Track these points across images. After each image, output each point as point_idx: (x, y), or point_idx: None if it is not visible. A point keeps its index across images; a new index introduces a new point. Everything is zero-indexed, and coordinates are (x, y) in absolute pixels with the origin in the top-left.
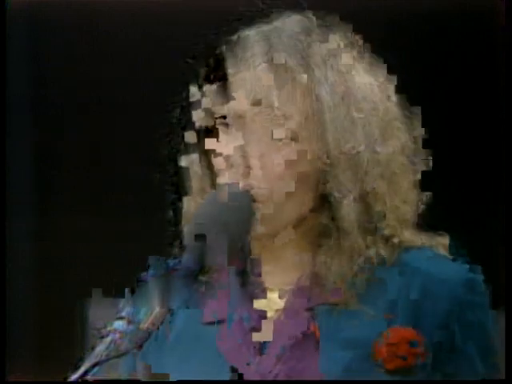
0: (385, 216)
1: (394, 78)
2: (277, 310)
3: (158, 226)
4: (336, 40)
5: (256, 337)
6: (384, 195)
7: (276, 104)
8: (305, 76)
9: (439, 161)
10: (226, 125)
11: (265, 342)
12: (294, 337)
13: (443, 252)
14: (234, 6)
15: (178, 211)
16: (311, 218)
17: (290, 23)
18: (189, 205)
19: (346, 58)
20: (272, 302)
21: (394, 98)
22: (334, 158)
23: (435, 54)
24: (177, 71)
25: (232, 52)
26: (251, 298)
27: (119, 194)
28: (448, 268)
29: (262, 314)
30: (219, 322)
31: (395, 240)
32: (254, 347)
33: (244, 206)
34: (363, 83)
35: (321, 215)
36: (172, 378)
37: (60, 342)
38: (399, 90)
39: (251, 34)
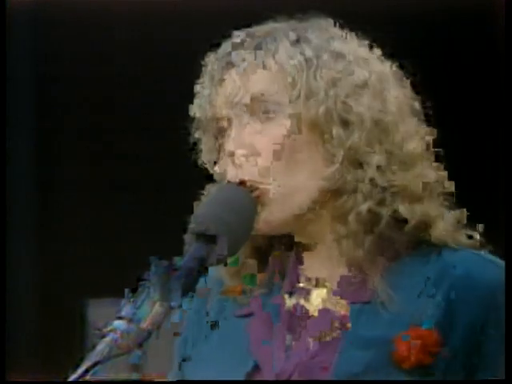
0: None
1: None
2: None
3: (159, 226)
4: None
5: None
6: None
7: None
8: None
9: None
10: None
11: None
12: (319, 337)
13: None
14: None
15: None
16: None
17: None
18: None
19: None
20: (317, 297)
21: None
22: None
23: (435, 54)
24: (176, 70)
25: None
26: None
27: (120, 194)
28: (486, 269)
29: (303, 311)
30: (250, 314)
31: (425, 234)
32: (281, 345)
33: (245, 205)
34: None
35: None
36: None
37: (60, 342)
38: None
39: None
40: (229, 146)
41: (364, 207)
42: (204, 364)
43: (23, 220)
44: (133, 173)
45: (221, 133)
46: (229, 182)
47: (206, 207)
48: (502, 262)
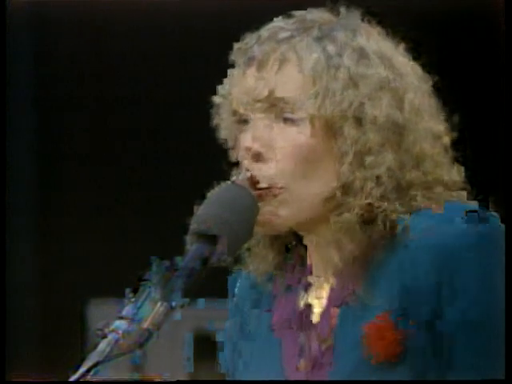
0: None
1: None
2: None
3: (159, 226)
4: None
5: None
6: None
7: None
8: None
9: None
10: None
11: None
12: (320, 346)
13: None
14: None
15: None
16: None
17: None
18: None
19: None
20: (320, 298)
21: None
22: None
23: (435, 54)
24: (177, 69)
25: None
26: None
27: (120, 194)
28: (438, 233)
29: (307, 313)
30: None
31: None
32: (300, 351)
33: (247, 205)
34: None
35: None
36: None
37: (60, 342)
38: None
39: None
40: (245, 141)
41: (365, 202)
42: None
43: (23, 220)
44: (133, 173)
45: (239, 124)
46: (231, 181)
47: (207, 207)
48: (462, 223)
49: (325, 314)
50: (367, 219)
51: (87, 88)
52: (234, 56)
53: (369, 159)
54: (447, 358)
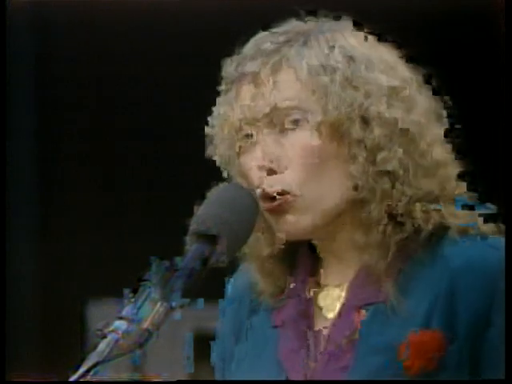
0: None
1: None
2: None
3: (159, 226)
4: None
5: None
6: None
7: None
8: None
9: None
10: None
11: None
12: (339, 343)
13: (486, 229)
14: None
15: None
16: (352, 212)
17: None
18: None
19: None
20: (335, 298)
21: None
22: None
23: (434, 54)
24: (177, 70)
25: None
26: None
27: (120, 194)
28: (486, 255)
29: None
30: (281, 325)
31: (430, 226)
32: (309, 350)
33: (247, 205)
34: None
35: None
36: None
37: (60, 342)
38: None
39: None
40: (254, 159)
41: (386, 202)
42: (240, 365)
43: (23, 220)
44: (133, 173)
45: (237, 144)
46: (230, 182)
47: (207, 207)
48: (503, 245)
49: (343, 313)
50: (396, 218)
51: (87, 88)
52: (223, 81)
53: (380, 155)
54: (482, 368)
